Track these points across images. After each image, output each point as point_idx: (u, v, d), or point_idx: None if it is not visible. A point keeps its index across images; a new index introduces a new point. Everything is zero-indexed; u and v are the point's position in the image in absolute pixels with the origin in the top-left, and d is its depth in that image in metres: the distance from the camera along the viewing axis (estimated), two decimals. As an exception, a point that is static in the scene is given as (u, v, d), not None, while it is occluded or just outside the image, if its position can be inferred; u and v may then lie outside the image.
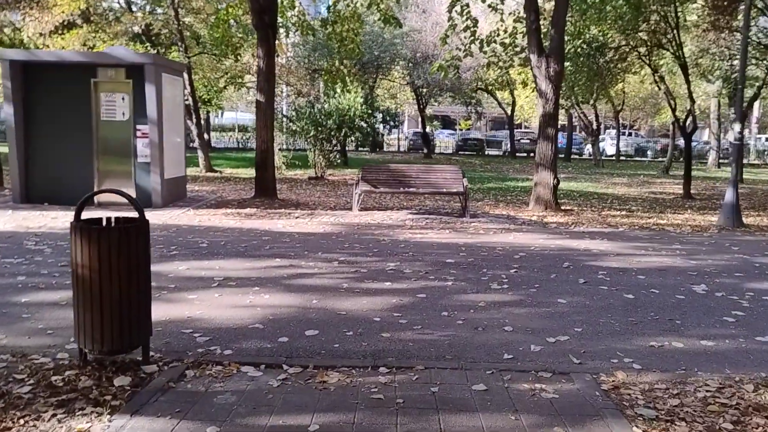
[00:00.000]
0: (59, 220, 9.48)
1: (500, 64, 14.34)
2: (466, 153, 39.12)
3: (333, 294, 5.62)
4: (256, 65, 12.43)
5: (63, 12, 18.65)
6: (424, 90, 30.56)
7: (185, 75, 19.61)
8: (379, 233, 9.10)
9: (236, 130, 41.17)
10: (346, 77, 14.08)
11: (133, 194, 11.22)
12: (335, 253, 7.42)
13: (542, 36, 12.41)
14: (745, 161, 27.65)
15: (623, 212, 12.66)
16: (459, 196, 11.57)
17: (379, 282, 6.08)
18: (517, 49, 14.42)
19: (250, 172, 20.99)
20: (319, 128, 18.54)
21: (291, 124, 19.38)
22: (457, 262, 7.08)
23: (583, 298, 5.68)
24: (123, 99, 11.20)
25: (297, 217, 10.59)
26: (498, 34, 13.73)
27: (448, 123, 59.29)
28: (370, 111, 19.02)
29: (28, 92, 11.13)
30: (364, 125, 18.97)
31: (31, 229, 8.59)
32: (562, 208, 12.59)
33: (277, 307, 5.20)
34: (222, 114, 53.83)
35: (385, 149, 40.01)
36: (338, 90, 18.74)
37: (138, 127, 11.14)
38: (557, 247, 8.19)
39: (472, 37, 12.64)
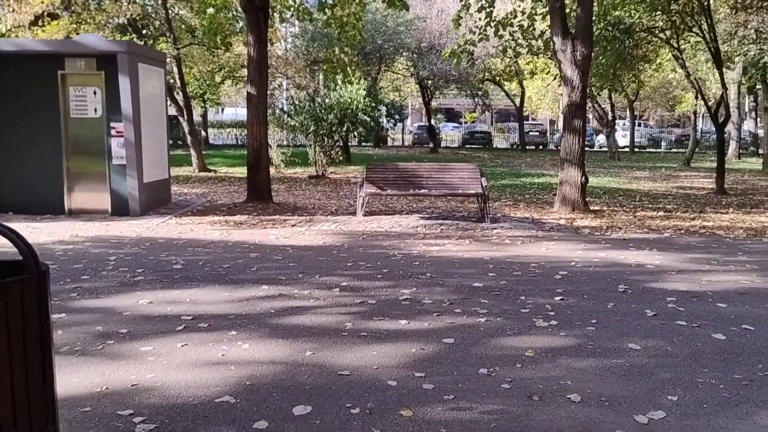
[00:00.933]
0: (16, 234, 8.17)
1: (518, 49, 12.96)
2: (473, 146, 37.79)
3: (333, 340, 4.30)
4: (246, 54, 11.10)
5: (42, 2, 17.35)
6: (430, 82, 29.17)
7: (174, 68, 18.33)
8: (388, 245, 7.77)
9: (235, 127, 39.82)
10: (348, 67, 12.75)
11: (108, 201, 9.95)
12: (336, 276, 6.10)
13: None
14: (762, 151, 26.16)
15: (659, 212, 11.30)
16: (478, 199, 10.23)
17: (391, 319, 4.76)
18: (536, 32, 13.04)
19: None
20: (319, 123, 17.20)
21: (289, 119, 18.05)
22: (487, 286, 5.75)
23: (660, 341, 4.34)
24: (95, 93, 9.89)
25: (293, 225, 9.27)
26: (515, 16, 12.36)
27: (452, 116, 57.99)
28: (373, 104, 17.67)
29: (-13, 87, 9.82)
30: (368, 119, 17.62)
31: (-22, 247, 7.29)
32: (591, 208, 11.24)
33: (258, 363, 3.88)
34: (222, 110, 52.55)
35: (389, 144, 38.69)
36: (339, 82, 17.39)
37: (112, 124, 9.83)
38: (602, 262, 6.85)
39: (488, 19, 11.27)
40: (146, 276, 5.96)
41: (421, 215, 10.37)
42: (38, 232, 8.34)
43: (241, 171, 19.83)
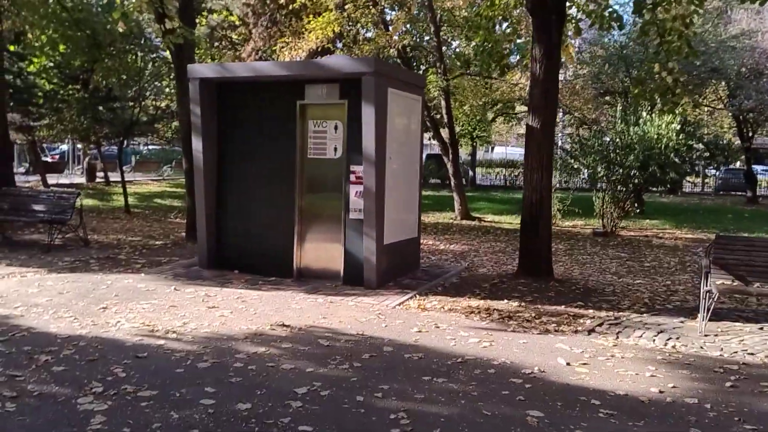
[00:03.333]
0: (218, 311, 6.20)
1: None
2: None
3: None
4: (529, 73, 8.14)
5: (317, 37, 16.77)
6: (752, 115, 22.96)
7: (442, 101, 16.25)
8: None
9: (505, 167, 37.09)
10: (671, 92, 9.02)
11: (340, 265, 7.71)
12: None
13: None
14: None
15: None
16: None
17: None
18: None
19: (516, 221, 16.65)
20: (612, 167, 13.46)
21: (573, 161, 14.61)
22: None
23: None
24: (335, 128, 7.81)
25: (591, 331, 5.87)
26: None
27: (759, 157, 48.23)
28: (690, 142, 13.32)
29: (221, 120, 8.40)
30: (680, 162, 13.30)
31: (156, 334, 5.36)
32: None
33: None
34: (492, 149, 50.81)
35: (686, 189, 32.35)
36: (644, 114, 13.48)
37: (352, 168, 7.62)
38: None
39: None
40: (333, 462, 3.17)
41: (813, 328, 6.10)
42: (243, 310, 6.29)
43: (509, 220, 16.87)
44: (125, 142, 19.04)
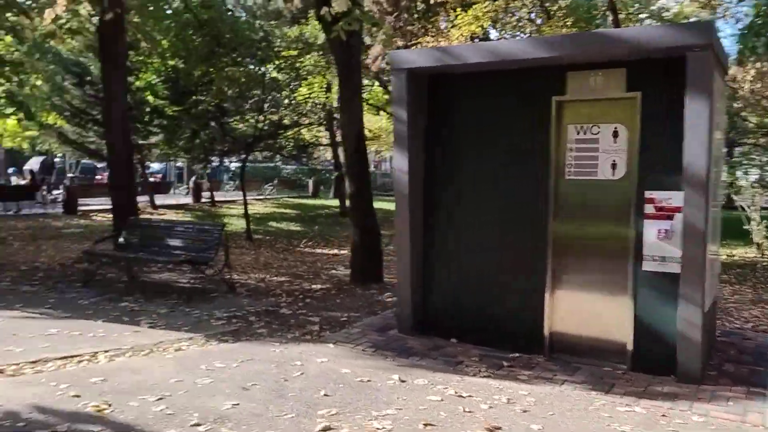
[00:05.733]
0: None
1: None
2: None
3: None
4: None
5: (462, 35, 14.48)
6: None
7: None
8: None
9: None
10: None
11: (627, 338, 5.12)
12: None
13: None
14: None
15: None
16: None
17: None
18: None
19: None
20: None
21: None
22: None
23: None
24: (615, 135, 5.24)
25: None
26: None
27: None
28: None
29: (434, 127, 6.02)
30: None
31: None
32: None
33: None
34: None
35: None
36: None
37: (649, 194, 5.01)
38: None
39: None
40: None
41: None
42: (547, 436, 3.78)
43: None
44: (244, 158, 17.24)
